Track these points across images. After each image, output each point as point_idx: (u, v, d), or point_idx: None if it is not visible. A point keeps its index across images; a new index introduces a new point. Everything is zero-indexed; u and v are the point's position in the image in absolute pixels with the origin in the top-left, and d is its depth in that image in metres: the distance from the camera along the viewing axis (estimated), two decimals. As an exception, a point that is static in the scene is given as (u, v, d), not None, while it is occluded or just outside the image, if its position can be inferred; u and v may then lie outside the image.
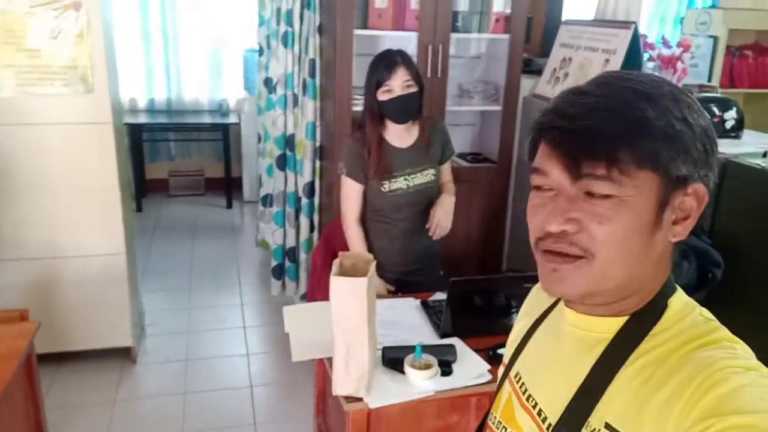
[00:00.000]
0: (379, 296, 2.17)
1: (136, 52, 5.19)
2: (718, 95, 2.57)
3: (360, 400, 1.57)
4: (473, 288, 1.96)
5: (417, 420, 1.68)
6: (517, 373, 0.87)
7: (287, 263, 3.56)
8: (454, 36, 3.06)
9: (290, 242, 3.53)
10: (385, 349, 1.72)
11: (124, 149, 3.05)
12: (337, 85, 2.93)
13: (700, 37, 3.78)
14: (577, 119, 0.67)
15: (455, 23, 3.06)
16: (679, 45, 2.85)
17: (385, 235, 2.29)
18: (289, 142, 3.43)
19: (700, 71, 3.75)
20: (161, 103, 5.38)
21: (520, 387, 0.85)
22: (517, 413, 0.84)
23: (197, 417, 2.70)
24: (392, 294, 2.27)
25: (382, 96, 2.13)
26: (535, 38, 3.93)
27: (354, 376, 1.56)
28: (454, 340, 1.83)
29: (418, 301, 2.10)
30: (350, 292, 1.49)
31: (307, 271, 3.47)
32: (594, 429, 0.70)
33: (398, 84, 2.11)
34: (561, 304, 0.83)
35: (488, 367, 1.71)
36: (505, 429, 0.86)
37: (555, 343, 0.82)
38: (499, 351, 1.67)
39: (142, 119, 5.23)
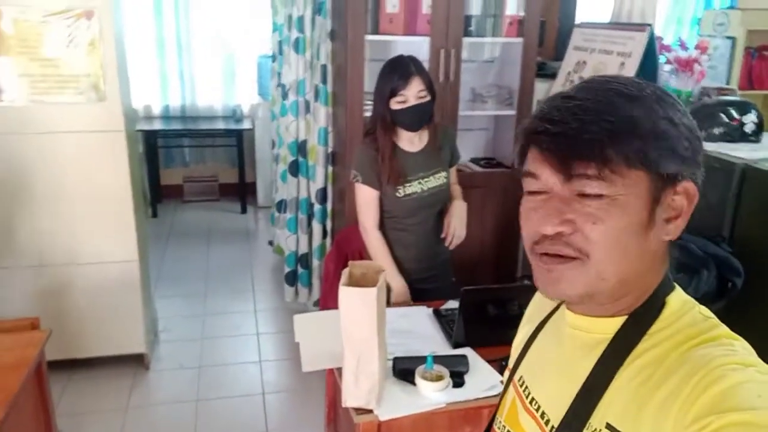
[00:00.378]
0: (403, 304, 2.17)
1: (150, 60, 5.23)
2: (737, 98, 2.51)
3: (370, 411, 1.55)
4: (486, 297, 1.93)
5: (428, 432, 1.65)
6: (521, 377, 0.88)
7: (300, 270, 3.56)
8: (466, 40, 3.04)
9: (303, 248, 3.52)
10: (396, 360, 1.69)
11: (137, 156, 3.06)
12: (348, 91, 2.92)
13: (718, 39, 3.71)
14: (565, 122, 0.68)
15: (468, 27, 3.04)
16: (696, 47, 2.80)
17: (400, 243, 2.27)
18: (301, 148, 3.42)
19: (718, 73, 3.68)
20: (176, 109, 5.42)
21: (524, 391, 0.86)
22: (521, 417, 0.84)
23: (209, 424, 2.70)
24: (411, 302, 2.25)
25: (396, 105, 2.11)
26: (549, 41, 3.89)
27: (364, 388, 1.53)
28: (467, 350, 1.80)
29: (430, 310, 2.07)
30: (360, 303, 1.46)
31: (320, 277, 3.46)
32: (595, 430, 0.70)
33: (413, 94, 2.09)
34: (563, 307, 0.83)
35: (501, 378, 1.68)
36: None
37: (557, 346, 0.83)
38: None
39: (157, 126, 5.26)
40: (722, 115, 2.31)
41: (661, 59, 2.88)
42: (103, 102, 2.65)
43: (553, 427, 0.77)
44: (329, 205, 3.45)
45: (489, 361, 1.75)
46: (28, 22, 2.49)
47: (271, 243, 4.31)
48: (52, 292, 2.80)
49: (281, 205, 3.74)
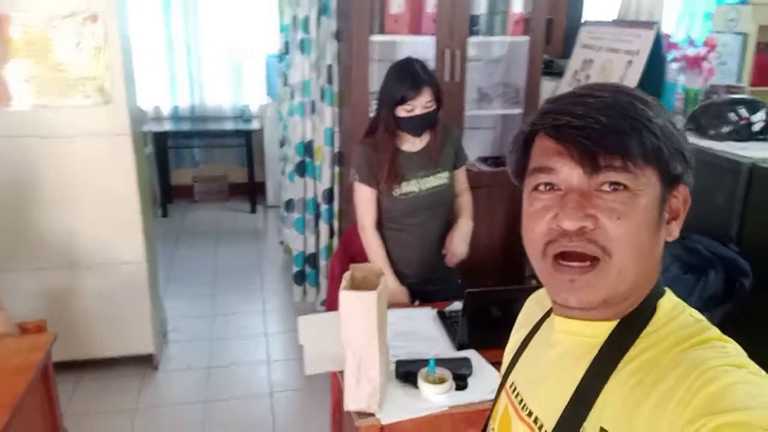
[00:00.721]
0: (401, 305, 2.16)
1: (159, 61, 5.25)
2: (746, 96, 2.47)
3: (372, 415, 1.55)
4: (490, 299, 1.92)
5: (431, 435, 1.64)
6: (512, 384, 0.88)
7: (308, 269, 3.56)
8: (472, 39, 3.02)
9: (310, 248, 3.53)
10: (398, 363, 1.69)
11: (144, 158, 3.07)
12: (354, 91, 2.91)
13: (729, 34, 3.66)
14: (589, 116, 0.69)
15: (474, 26, 3.02)
16: (704, 44, 2.77)
17: (400, 243, 2.26)
18: (307, 148, 3.43)
19: (729, 69, 3.63)
20: (185, 110, 5.44)
21: (516, 397, 0.86)
22: (514, 424, 0.85)
23: (218, 424, 2.71)
24: (409, 303, 2.24)
25: (402, 113, 2.10)
26: (556, 39, 3.86)
27: (365, 392, 1.53)
28: (471, 353, 1.79)
29: (434, 312, 2.07)
30: (360, 307, 1.46)
31: (327, 277, 3.46)
32: None
33: (420, 104, 2.08)
34: (552, 314, 0.84)
35: (504, 381, 1.67)
36: None
37: (548, 351, 0.83)
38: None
39: (167, 126, 5.29)
40: (731, 114, 2.27)
41: (669, 57, 2.85)
42: (110, 105, 2.66)
43: None
44: (336, 206, 3.45)
45: (493, 363, 1.74)
46: (34, 27, 2.51)
47: (282, 243, 4.33)
48: (61, 293, 2.83)
49: (289, 205, 3.74)
